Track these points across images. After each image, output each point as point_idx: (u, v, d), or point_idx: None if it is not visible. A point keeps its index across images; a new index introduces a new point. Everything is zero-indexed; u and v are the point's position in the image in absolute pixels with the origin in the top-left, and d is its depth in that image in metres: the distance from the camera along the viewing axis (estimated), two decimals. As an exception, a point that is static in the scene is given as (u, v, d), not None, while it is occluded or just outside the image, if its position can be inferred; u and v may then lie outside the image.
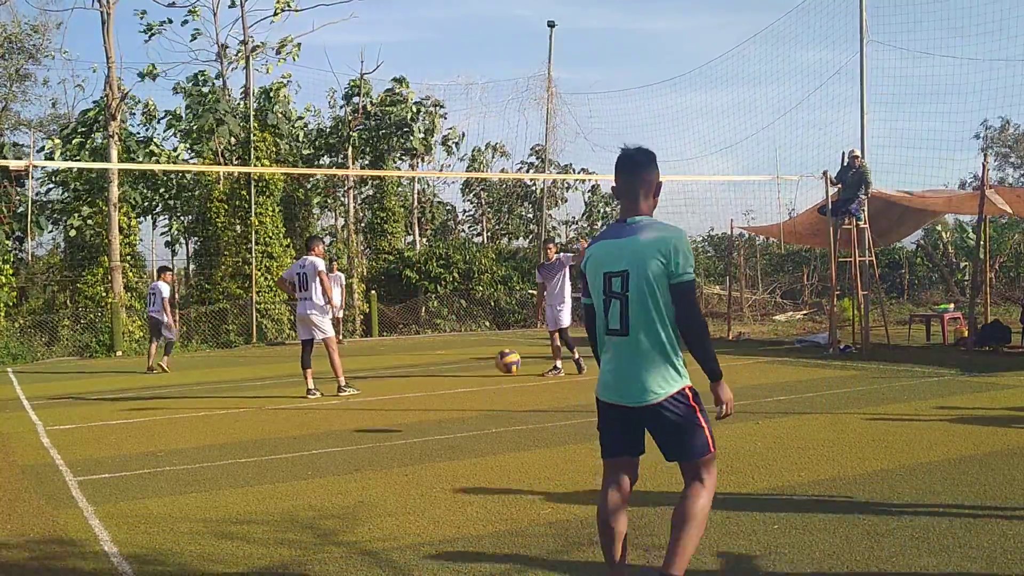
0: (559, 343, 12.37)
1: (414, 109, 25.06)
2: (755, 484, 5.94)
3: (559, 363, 12.39)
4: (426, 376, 13.18)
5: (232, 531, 5.23)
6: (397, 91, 25.26)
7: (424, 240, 27.52)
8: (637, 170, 3.73)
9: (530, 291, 24.47)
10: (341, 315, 20.21)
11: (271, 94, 23.63)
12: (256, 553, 4.80)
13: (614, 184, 3.80)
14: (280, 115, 23.21)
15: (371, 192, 26.49)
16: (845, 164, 15.34)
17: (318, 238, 11.90)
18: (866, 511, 5.22)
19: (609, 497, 3.73)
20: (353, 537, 5.05)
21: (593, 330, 3.87)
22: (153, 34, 22.73)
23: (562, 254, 12.71)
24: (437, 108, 25.79)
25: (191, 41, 24.10)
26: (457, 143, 27.35)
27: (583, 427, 8.40)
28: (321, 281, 11.08)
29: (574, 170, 30.37)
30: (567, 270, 12.41)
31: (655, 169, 3.77)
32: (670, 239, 3.59)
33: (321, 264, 11.13)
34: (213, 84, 22.56)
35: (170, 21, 22.88)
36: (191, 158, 24.52)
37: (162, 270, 16.34)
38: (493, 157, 31.80)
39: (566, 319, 12.28)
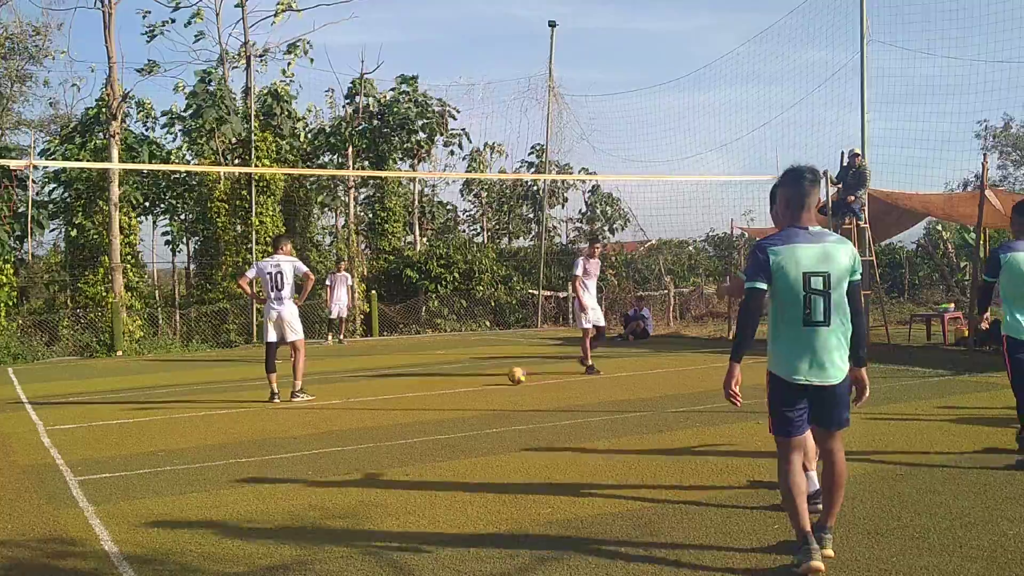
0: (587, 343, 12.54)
1: (416, 109, 25.05)
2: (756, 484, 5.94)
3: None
4: (426, 376, 13.17)
5: (232, 531, 5.23)
6: (405, 90, 25.22)
7: (424, 240, 27.51)
8: (812, 186, 4.50)
9: (530, 291, 24.46)
10: (346, 315, 20.26)
11: (277, 93, 23.56)
12: (257, 553, 4.81)
13: (789, 197, 4.49)
14: (284, 115, 23.19)
15: (372, 192, 26.48)
16: (845, 164, 15.35)
17: (287, 236, 11.57)
18: (866, 511, 5.22)
19: (800, 468, 4.51)
20: (353, 537, 5.05)
21: (757, 314, 4.44)
22: (155, 35, 22.73)
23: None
24: (447, 107, 25.74)
25: (194, 42, 24.11)
26: (461, 144, 27.34)
27: (583, 427, 8.41)
28: (307, 281, 10.86)
29: (573, 170, 30.35)
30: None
31: (820, 186, 4.70)
32: (851, 247, 4.50)
33: (302, 265, 10.93)
34: (219, 83, 22.55)
35: (172, 21, 22.91)
36: (192, 158, 24.52)
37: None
38: (493, 157, 31.77)
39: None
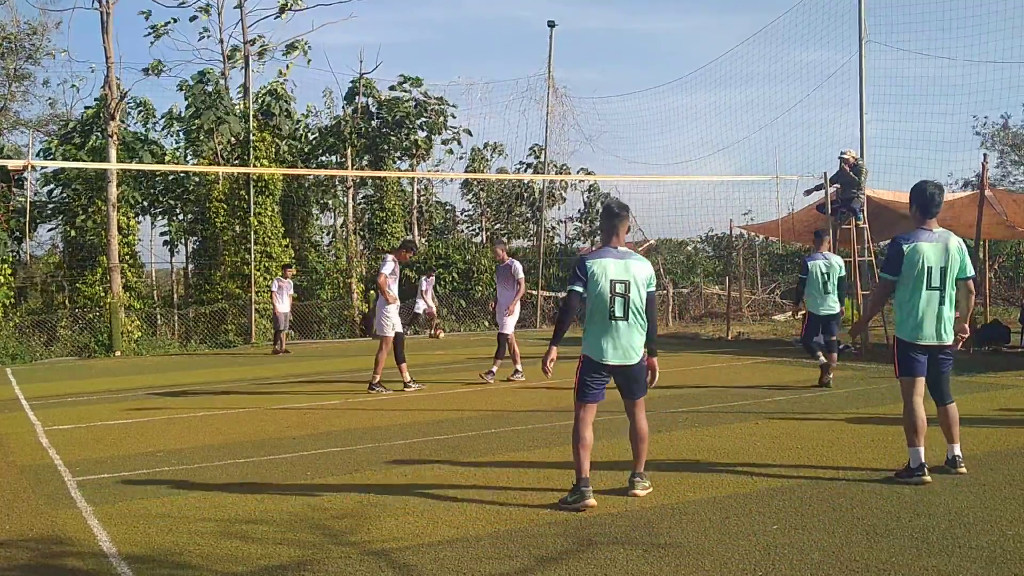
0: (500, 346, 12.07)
1: (415, 108, 25.03)
2: (755, 484, 5.94)
3: (519, 365, 12.08)
4: (425, 376, 13.14)
5: (231, 531, 5.22)
6: (406, 88, 25.19)
7: (424, 240, 27.49)
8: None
9: (529, 291, 24.43)
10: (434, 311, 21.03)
11: (277, 93, 23.53)
12: (256, 553, 4.80)
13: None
14: (283, 116, 23.18)
15: (371, 192, 26.46)
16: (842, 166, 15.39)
17: (406, 243, 11.86)
18: (866, 511, 5.22)
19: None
20: (353, 537, 5.04)
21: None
22: (160, 35, 22.70)
23: (514, 261, 12.18)
24: (445, 106, 25.73)
25: (199, 40, 24.05)
26: (460, 142, 27.32)
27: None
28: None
29: (571, 171, 30.35)
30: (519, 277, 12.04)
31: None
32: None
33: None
34: (218, 82, 22.51)
35: (175, 20, 22.88)
36: (191, 159, 24.50)
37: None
38: (492, 157, 31.76)
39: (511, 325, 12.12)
